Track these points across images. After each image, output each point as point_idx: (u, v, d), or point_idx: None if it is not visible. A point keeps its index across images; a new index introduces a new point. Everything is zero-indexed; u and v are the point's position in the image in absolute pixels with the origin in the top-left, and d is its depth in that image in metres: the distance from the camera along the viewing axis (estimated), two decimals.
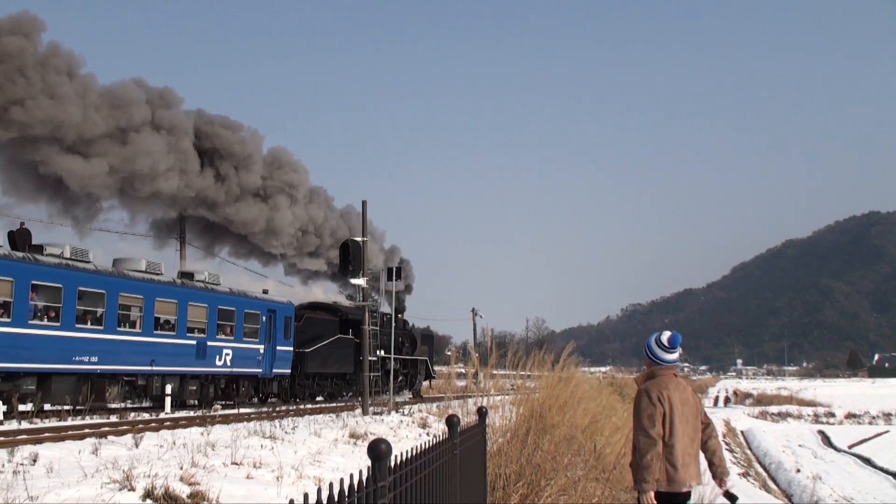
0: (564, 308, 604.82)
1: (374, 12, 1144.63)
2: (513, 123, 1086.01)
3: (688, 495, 6.85)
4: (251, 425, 17.94)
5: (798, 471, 38.97)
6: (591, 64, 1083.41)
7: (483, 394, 13.46)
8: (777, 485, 37.67)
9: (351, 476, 3.30)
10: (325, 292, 43.75)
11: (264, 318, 31.81)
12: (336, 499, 3.01)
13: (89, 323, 24.22)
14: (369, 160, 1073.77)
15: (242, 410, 26.34)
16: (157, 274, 27.42)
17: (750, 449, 51.17)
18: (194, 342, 28.33)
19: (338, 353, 36.92)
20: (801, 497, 33.09)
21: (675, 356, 7.05)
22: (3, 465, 11.13)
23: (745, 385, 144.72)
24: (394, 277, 30.70)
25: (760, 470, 42.28)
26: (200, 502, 9.48)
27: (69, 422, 20.21)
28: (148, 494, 9.31)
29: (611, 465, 12.28)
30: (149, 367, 26.10)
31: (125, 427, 18.24)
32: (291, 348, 33.79)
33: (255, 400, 32.52)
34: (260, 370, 31.86)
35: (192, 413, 24.82)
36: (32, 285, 22.23)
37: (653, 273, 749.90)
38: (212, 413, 24.00)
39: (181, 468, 11.01)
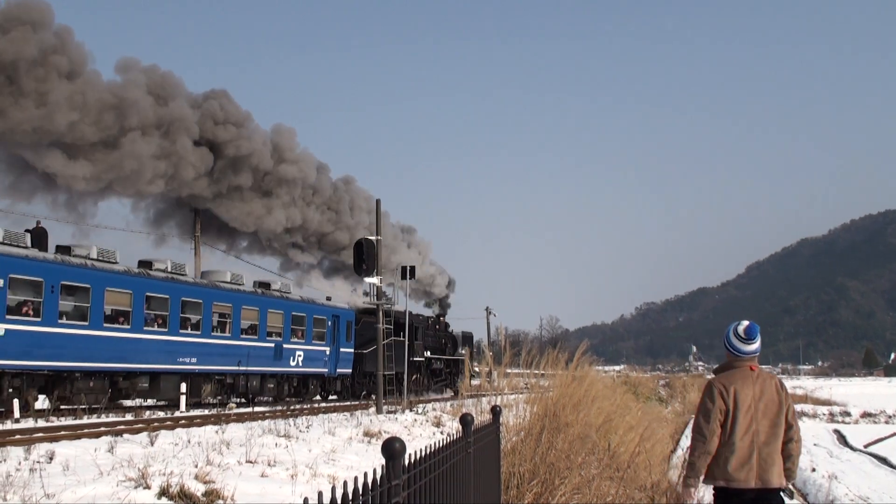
0: (578, 306, 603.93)
1: (393, 5, 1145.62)
2: (527, 121, 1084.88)
3: (762, 493, 6.61)
4: (266, 424, 17.99)
5: (813, 470, 38.78)
6: (604, 62, 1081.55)
7: (497, 392, 13.45)
8: (792, 484, 37.54)
9: (365, 474, 3.31)
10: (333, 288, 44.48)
11: (329, 322, 35.19)
12: (350, 497, 3.02)
13: (189, 329, 27.78)
14: (382, 156, 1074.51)
15: (257, 409, 26.50)
16: (240, 285, 31.11)
17: None
18: (272, 345, 31.60)
19: (391, 354, 38.19)
20: (817, 496, 32.93)
21: (752, 347, 6.87)
22: (20, 463, 11.21)
23: None
24: (407, 276, 30.71)
25: None
26: (215, 500, 9.51)
27: (85, 420, 20.33)
28: (163, 493, 9.35)
29: (625, 464, 12.26)
30: (236, 367, 29.35)
31: (141, 425, 18.33)
32: (352, 350, 36.84)
33: (318, 397, 35.24)
34: (326, 370, 35.02)
35: (206, 412, 24.97)
36: (146, 297, 26.00)
37: (667, 271, 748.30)
38: (226, 412, 24.11)
39: (196, 466, 11.06)
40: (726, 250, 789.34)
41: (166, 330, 26.53)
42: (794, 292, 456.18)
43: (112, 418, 21.22)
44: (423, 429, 20.42)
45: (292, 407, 26.56)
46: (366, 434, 17.56)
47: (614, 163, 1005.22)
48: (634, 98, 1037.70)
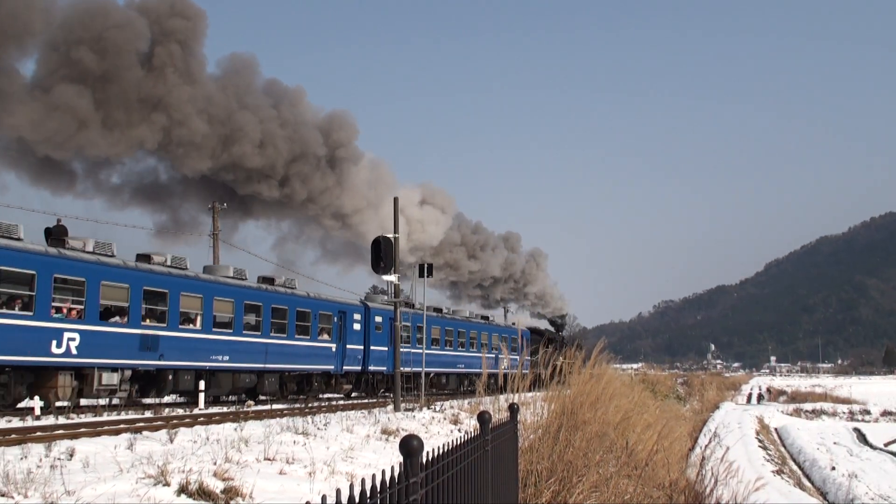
0: (596, 305, 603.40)
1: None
2: (547, 116, 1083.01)
3: None
4: (283, 421, 17.99)
5: (833, 468, 38.58)
6: (622, 56, 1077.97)
7: (514, 390, 13.44)
8: (812, 482, 37.31)
9: (383, 472, 3.32)
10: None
11: (517, 338, 50.54)
12: (368, 494, 3.03)
13: (459, 348, 45.30)
14: (400, 149, 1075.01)
15: (275, 406, 26.57)
16: (468, 317, 48.22)
17: (784, 446, 50.74)
18: (493, 355, 44.51)
19: (546, 361, 54.09)
20: (836, 495, 32.75)
21: None
22: (41, 460, 11.27)
23: (778, 382, 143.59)
24: (425, 274, 30.73)
25: (795, 468, 41.91)
26: (234, 498, 9.54)
27: (105, 417, 20.43)
28: (182, 489, 9.38)
29: (643, 462, 12.24)
30: (479, 370, 40.29)
31: (160, 423, 18.38)
32: (528, 357, 49.79)
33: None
34: (514, 371, 50.58)
35: (225, 409, 25.08)
36: (417, 327, 39.48)
37: (685, 270, 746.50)
38: (245, 409, 24.19)
39: (215, 463, 11.08)
40: (745, 248, 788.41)
41: (438, 347, 42.88)
42: (813, 290, 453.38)
43: (131, 415, 21.32)
44: (440, 426, 20.39)
45: (310, 405, 26.69)
46: (383, 432, 17.56)
47: (632, 160, 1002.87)
48: (655, 95, 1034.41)
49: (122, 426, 17.49)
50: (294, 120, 41.55)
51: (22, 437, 14.68)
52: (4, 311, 21.19)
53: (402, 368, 32.79)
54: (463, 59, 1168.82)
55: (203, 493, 9.37)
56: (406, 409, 24.32)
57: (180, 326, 26.65)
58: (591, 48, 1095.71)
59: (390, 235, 25.24)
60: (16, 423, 18.55)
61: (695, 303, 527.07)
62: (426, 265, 31.20)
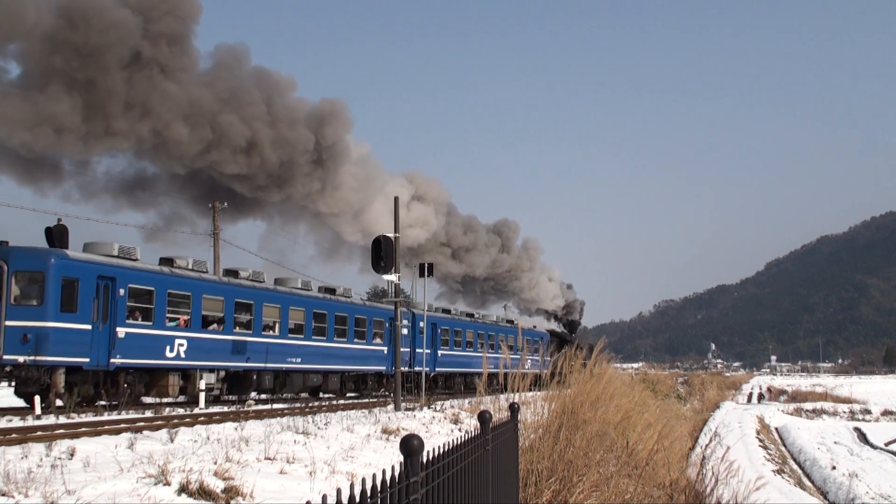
0: (597, 304, 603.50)
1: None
2: (547, 115, 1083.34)
3: None
4: (284, 420, 17.97)
5: (833, 468, 38.57)
6: (627, 56, 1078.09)
7: (515, 390, 13.42)
8: (812, 482, 37.30)
9: (383, 471, 3.32)
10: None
11: (541, 340, 53.81)
12: (369, 494, 3.03)
13: (490, 350, 46.58)
14: (399, 148, 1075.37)
15: (276, 406, 26.61)
16: (510, 322, 55.17)
17: (784, 446, 50.73)
18: (519, 356, 50.03)
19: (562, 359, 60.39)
20: (837, 495, 32.75)
21: None
22: (42, 459, 11.27)
23: (779, 382, 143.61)
24: (425, 273, 30.76)
25: (795, 467, 41.90)
26: (234, 497, 9.54)
27: (105, 417, 20.41)
28: (183, 489, 9.38)
29: (643, 462, 12.23)
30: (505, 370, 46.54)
31: (160, 422, 18.36)
32: (549, 358, 53.04)
33: None
34: (537, 371, 54.36)
35: (225, 409, 25.12)
36: (454, 331, 44.82)
37: (686, 269, 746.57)
38: (245, 408, 24.21)
39: (215, 463, 11.07)
40: (746, 248, 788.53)
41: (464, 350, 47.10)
42: (813, 290, 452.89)
43: (132, 415, 21.30)
44: (441, 426, 20.40)
45: (311, 405, 26.79)
46: (384, 431, 17.56)
47: (633, 159, 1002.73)
48: (656, 95, 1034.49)
49: (122, 426, 17.47)
50: (284, 116, 39.62)
51: (22, 436, 14.68)
52: (130, 321, 24.77)
53: (444, 369, 42.37)
54: (462, 58, 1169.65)
55: (203, 492, 9.38)
56: (406, 409, 24.33)
57: (262, 332, 30.41)
58: (592, 47, 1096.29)
59: (390, 235, 25.24)
60: (16, 422, 18.55)
61: (695, 302, 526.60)
62: (426, 265, 31.23)
